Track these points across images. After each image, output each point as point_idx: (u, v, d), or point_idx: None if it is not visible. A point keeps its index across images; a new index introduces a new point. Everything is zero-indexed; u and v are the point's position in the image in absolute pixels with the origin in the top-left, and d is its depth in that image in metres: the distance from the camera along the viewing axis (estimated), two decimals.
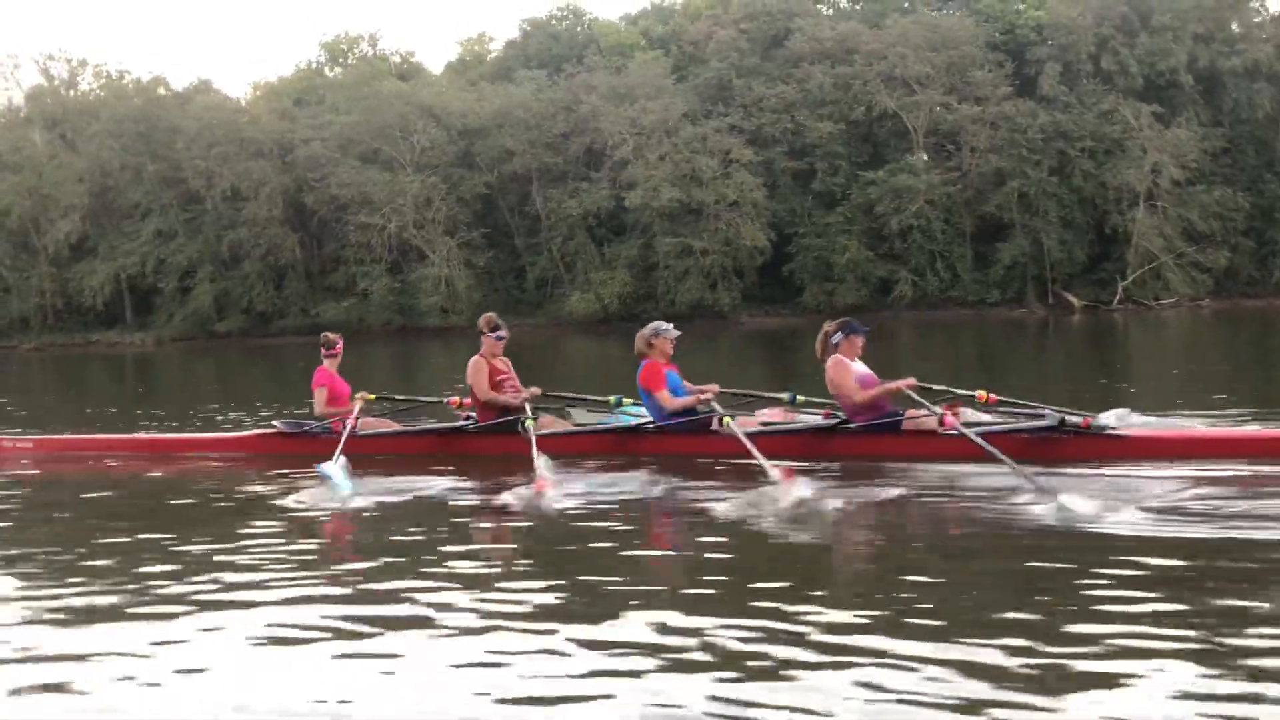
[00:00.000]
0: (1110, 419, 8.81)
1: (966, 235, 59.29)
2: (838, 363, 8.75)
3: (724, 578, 5.47)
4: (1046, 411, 8.62)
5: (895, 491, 7.29)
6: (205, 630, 4.93)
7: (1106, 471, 7.48)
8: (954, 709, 3.65)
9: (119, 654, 4.62)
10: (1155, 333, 35.92)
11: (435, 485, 8.37)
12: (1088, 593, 4.85)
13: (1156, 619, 4.44)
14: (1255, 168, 59.21)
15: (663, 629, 4.62)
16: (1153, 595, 4.75)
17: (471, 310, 50.40)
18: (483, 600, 5.20)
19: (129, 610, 5.29)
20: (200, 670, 4.41)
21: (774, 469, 7.36)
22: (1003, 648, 4.15)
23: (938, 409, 8.24)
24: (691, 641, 4.43)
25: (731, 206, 59.25)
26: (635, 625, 4.70)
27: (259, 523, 7.38)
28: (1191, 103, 59.18)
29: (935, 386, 8.99)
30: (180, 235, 66.82)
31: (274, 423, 11.31)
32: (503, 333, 10.13)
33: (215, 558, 6.34)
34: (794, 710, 3.70)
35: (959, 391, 8.98)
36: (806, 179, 61.48)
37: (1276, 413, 10.34)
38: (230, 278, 66.17)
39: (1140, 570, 5.16)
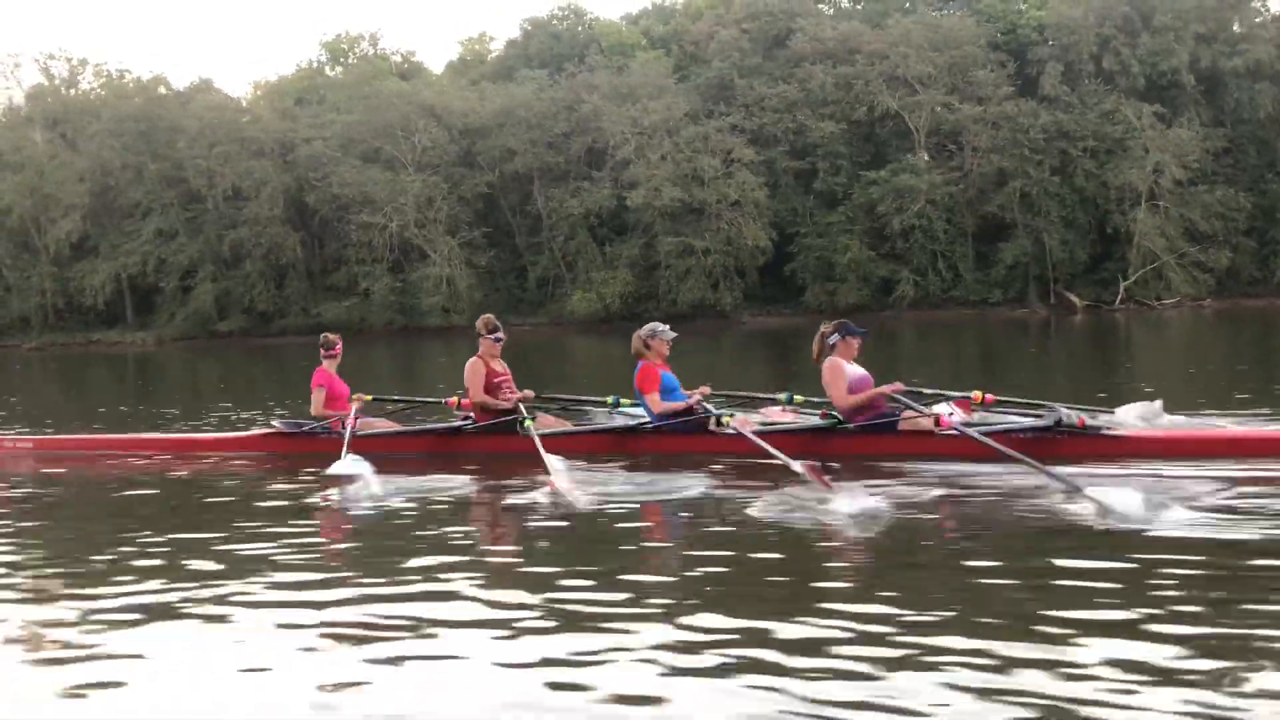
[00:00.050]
0: (1131, 414, 8.91)
1: (968, 235, 59.27)
2: (832, 365, 8.82)
3: (732, 576, 5.47)
4: (1043, 411, 8.62)
5: (895, 489, 7.27)
6: (205, 630, 4.91)
7: (1101, 471, 7.41)
8: (969, 706, 3.65)
9: (119, 653, 4.60)
10: (1158, 333, 35.88)
11: (435, 485, 8.35)
12: (1102, 586, 4.87)
13: (1159, 616, 4.42)
14: (1257, 167, 59.15)
15: (666, 628, 4.60)
16: (1152, 593, 4.74)
17: (473, 310, 50.34)
18: (483, 600, 5.18)
19: (128, 609, 5.26)
20: (200, 670, 4.39)
21: (798, 464, 7.48)
22: (1010, 644, 4.14)
23: (928, 411, 8.35)
24: (698, 641, 4.42)
25: (733, 206, 59.26)
26: (638, 625, 4.68)
27: (259, 522, 7.36)
28: (1193, 103, 59.15)
29: (926, 390, 9.08)
30: (181, 235, 66.83)
31: (273, 423, 11.32)
32: (501, 335, 10.17)
33: (215, 557, 6.32)
34: (799, 710, 3.69)
35: (952, 394, 9.03)
36: (808, 179, 61.49)
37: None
38: (231, 277, 66.19)
39: (1140, 568, 5.16)
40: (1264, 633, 4.21)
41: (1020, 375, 19.73)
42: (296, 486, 8.86)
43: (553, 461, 8.17)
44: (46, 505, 8.85)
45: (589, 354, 34.89)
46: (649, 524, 7.04)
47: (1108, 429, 8.30)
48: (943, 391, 9.18)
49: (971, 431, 7.96)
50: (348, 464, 9.08)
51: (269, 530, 7.05)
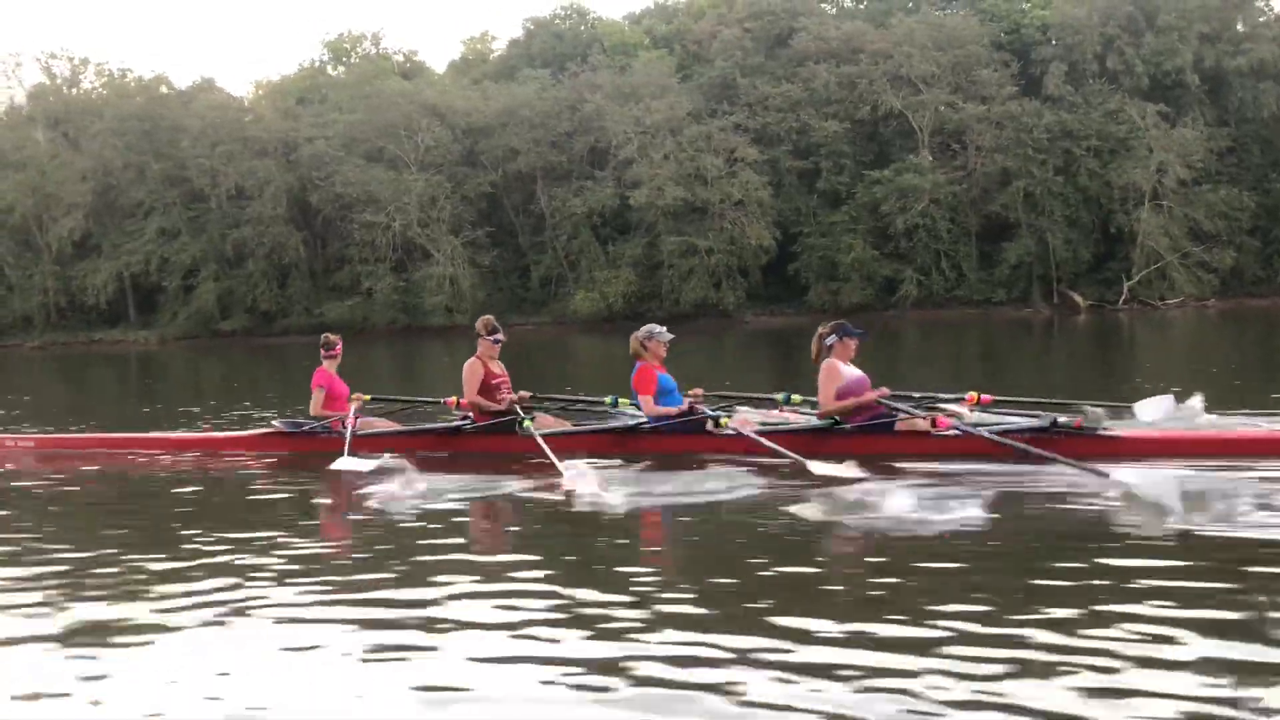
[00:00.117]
0: (1156, 411, 9.02)
1: (972, 234, 59.24)
2: (828, 367, 8.90)
3: (732, 575, 5.47)
4: (1039, 412, 8.77)
5: (889, 486, 7.25)
6: (206, 629, 4.90)
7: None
8: (972, 705, 3.64)
9: (118, 653, 4.60)
10: (1162, 333, 35.87)
11: (434, 484, 8.33)
12: (1099, 585, 4.88)
13: (1155, 614, 4.42)
14: (1261, 167, 59.09)
15: (668, 627, 4.60)
16: (1150, 591, 4.74)
17: (476, 309, 50.40)
18: (483, 598, 5.18)
19: (128, 609, 5.25)
20: (200, 669, 4.37)
21: (818, 465, 7.73)
22: (1009, 641, 4.14)
23: (919, 412, 8.53)
24: (700, 638, 4.41)
25: (736, 205, 59.24)
26: (637, 623, 4.67)
27: (258, 521, 7.38)
28: (1197, 102, 59.09)
29: (916, 394, 9.25)
30: (184, 234, 66.87)
31: (273, 422, 11.36)
32: (500, 336, 10.22)
33: (215, 556, 6.31)
34: (800, 706, 3.69)
35: (944, 396, 9.20)
36: (811, 178, 61.49)
37: None
38: (234, 276, 66.20)
39: (1134, 566, 5.18)
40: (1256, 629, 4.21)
41: (1023, 375, 19.72)
42: (296, 486, 8.90)
43: (558, 458, 8.29)
44: (47, 504, 8.84)
45: (591, 353, 34.88)
46: (648, 523, 7.07)
47: (1104, 430, 8.31)
48: (934, 394, 9.34)
49: (981, 431, 8.08)
50: (348, 462, 9.13)
51: (268, 529, 7.05)
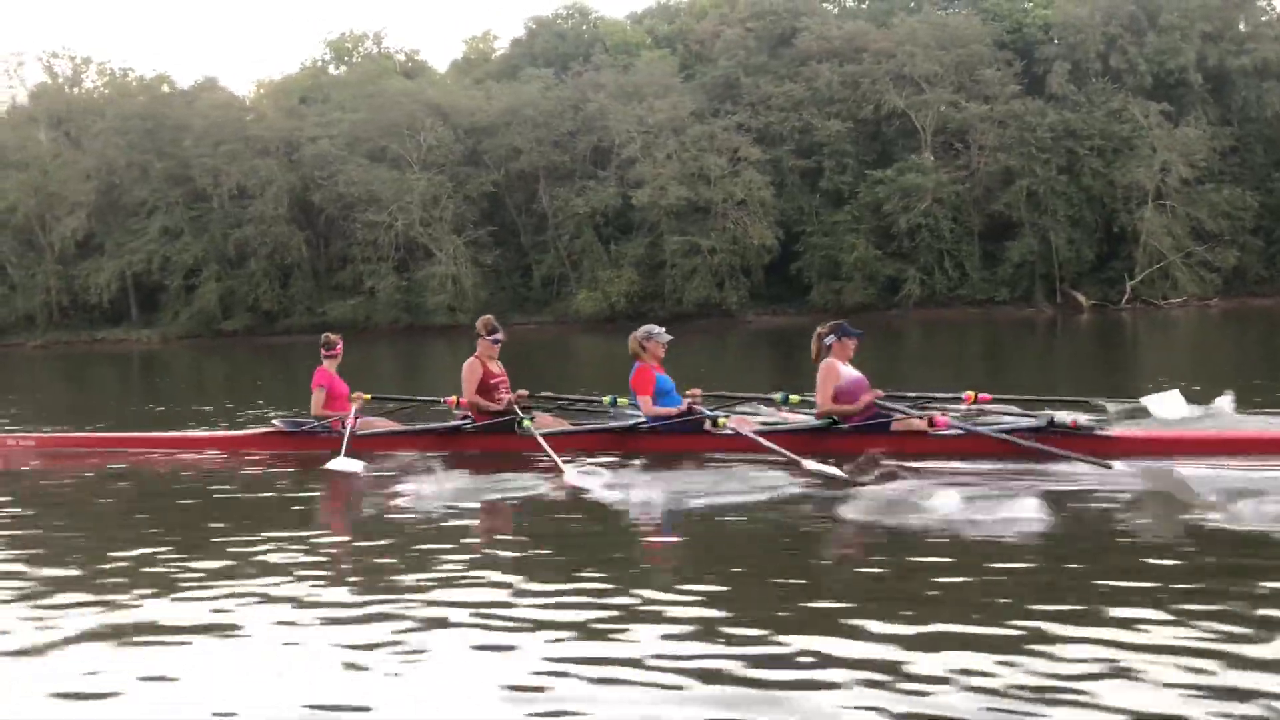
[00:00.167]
0: (1164, 406, 9.09)
1: (975, 234, 59.17)
2: (827, 366, 8.97)
3: (730, 573, 5.48)
4: (1036, 412, 8.86)
5: (886, 486, 7.42)
6: (205, 628, 4.89)
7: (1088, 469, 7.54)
8: (971, 703, 3.63)
9: (118, 652, 4.59)
10: (1165, 332, 35.87)
11: (434, 483, 8.35)
12: (1096, 585, 4.89)
13: (1150, 612, 4.44)
14: (1264, 166, 58.97)
15: (664, 626, 4.60)
16: (1144, 588, 4.77)
17: (478, 308, 50.40)
18: (481, 597, 5.18)
19: (128, 608, 5.25)
20: (199, 668, 4.38)
21: (810, 462, 7.83)
22: (1005, 639, 4.13)
23: (915, 412, 8.66)
24: (699, 637, 4.43)
25: (739, 205, 59.19)
26: (636, 622, 4.67)
27: (259, 521, 7.41)
28: (1200, 101, 59.01)
29: (910, 394, 9.38)
30: (186, 233, 66.83)
31: (274, 421, 11.36)
32: (500, 336, 10.25)
33: (216, 555, 6.32)
34: (798, 706, 3.68)
35: (940, 395, 9.31)
36: (814, 177, 61.45)
37: None
38: (236, 276, 66.16)
39: (1127, 564, 5.23)
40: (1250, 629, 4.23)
41: (1026, 375, 19.69)
42: (296, 485, 8.90)
43: (559, 457, 8.39)
44: (48, 503, 8.84)
45: (594, 353, 34.88)
46: (648, 521, 7.08)
47: (1099, 430, 8.37)
48: (931, 394, 9.45)
49: (981, 430, 8.20)
50: (342, 462, 9.18)
51: (268, 529, 7.06)
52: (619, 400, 10.16)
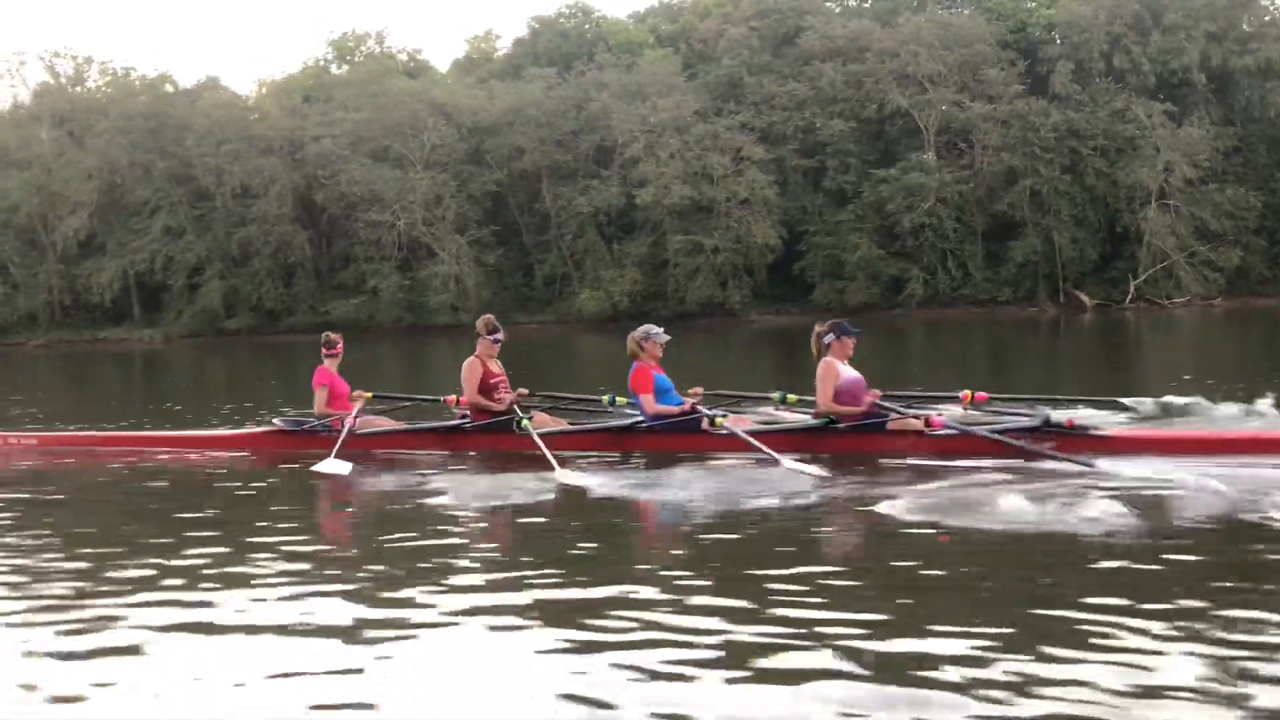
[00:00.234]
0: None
1: (978, 233, 59.14)
2: (826, 365, 9.04)
3: (724, 571, 5.52)
4: (1031, 411, 8.93)
5: (882, 484, 7.50)
6: (205, 627, 4.89)
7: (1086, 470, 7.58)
8: (969, 702, 3.63)
9: (118, 651, 4.58)
10: (1168, 331, 35.87)
11: (434, 482, 8.40)
12: (1084, 582, 4.90)
13: (1140, 608, 4.45)
14: (1267, 166, 58.92)
15: (665, 624, 4.61)
16: (1137, 586, 4.77)
17: (481, 308, 50.34)
18: (480, 596, 5.19)
19: (128, 607, 5.24)
20: (199, 668, 4.36)
21: (791, 461, 7.97)
22: (999, 637, 4.14)
23: (913, 412, 8.76)
24: (696, 636, 4.43)
25: (742, 204, 59.15)
26: (635, 621, 4.68)
27: (260, 520, 7.42)
28: (1204, 101, 58.97)
29: (903, 393, 9.52)
30: (189, 232, 66.83)
31: (274, 420, 11.36)
32: (500, 335, 10.29)
33: (216, 554, 6.32)
34: (796, 704, 3.69)
35: (939, 394, 9.45)
36: (818, 177, 61.43)
37: None
38: (239, 275, 66.14)
39: (1117, 563, 5.25)
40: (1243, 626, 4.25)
41: (1029, 374, 19.68)
42: (296, 484, 8.90)
43: (555, 456, 8.44)
44: (49, 502, 8.85)
45: (596, 352, 34.90)
46: (645, 520, 7.17)
47: (1095, 429, 8.45)
48: (928, 394, 9.64)
49: (975, 430, 8.31)
50: (330, 464, 9.19)
51: (269, 528, 7.09)
52: (617, 399, 10.18)
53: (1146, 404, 9.64)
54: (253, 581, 5.64)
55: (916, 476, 7.72)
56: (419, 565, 5.83)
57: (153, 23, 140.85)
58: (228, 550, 6.41)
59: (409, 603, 5.11)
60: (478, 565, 5.85)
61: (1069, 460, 7.61)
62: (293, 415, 11.79)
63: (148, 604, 5.29)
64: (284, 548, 6.44)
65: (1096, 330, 38.25)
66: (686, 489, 7.59)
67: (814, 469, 7.85)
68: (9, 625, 5.02)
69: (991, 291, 58.16)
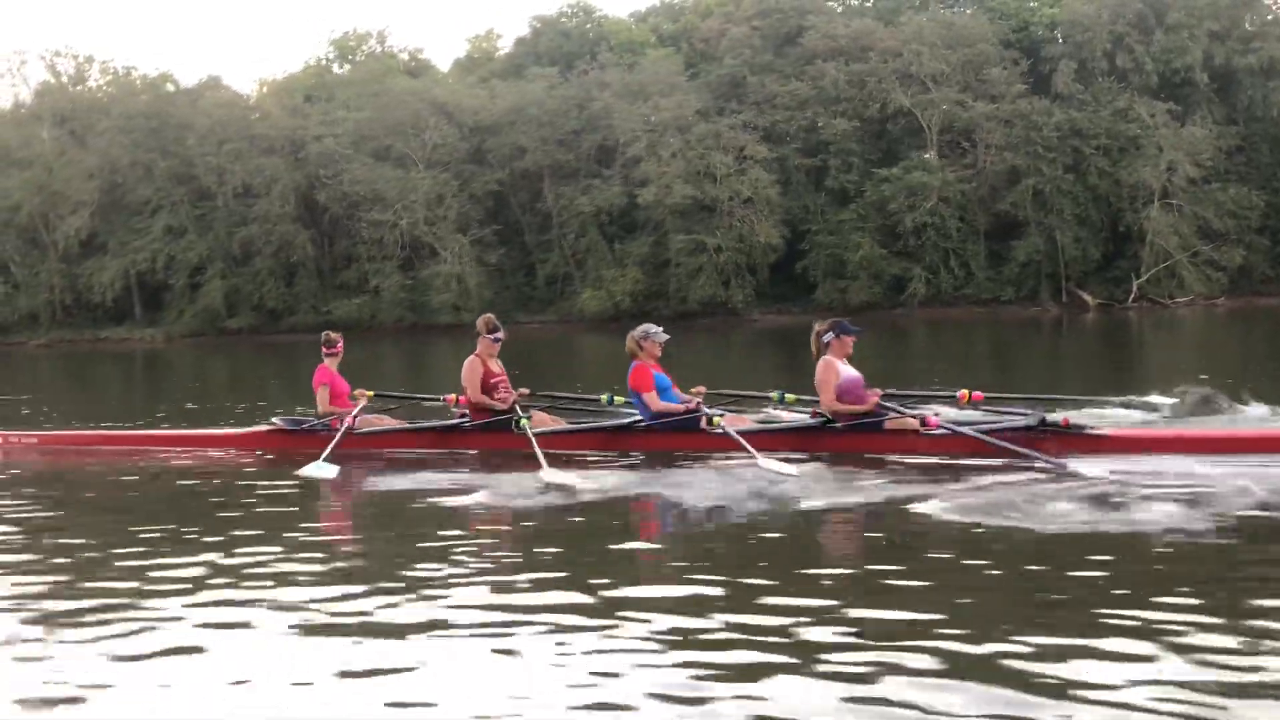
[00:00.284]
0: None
1: (981, 233, 59.13)
2: (826, 364, 9.09)
3: (718, 569, 5.51)
4: (1029, 410, 8.99)
5: (879, 484, 7.55)
6: (204, 627, 4.88)
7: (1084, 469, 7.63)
8: (967, 701, 3.62)
9: (119, 650, 4.57)
10: (1171, 331, 35.88)
11: (434, 481, 8.41)
12: (1077, 579, 4.92)
13: (1133, 608, 4.45)
14: (1270, 165, 58.90)
15: (662, 622, 4.62)
16: (1132, 585, 4.79)
17: (483, 307, 50.26)
18: (479, 595, 5.19)
19: (129, 606, 5.23)
20: (201, 668, 4.36)
21: (766, 460, 8.05)
22: (995, 637, 4.14)
23: (912, 411, 8.80)
24: (693, 635, 4.44)
25: (745, 203, 59.15)
26: (633, 620, 4.68)
27: (259, 519, 7.46)
28: (1206, 100, 58.94)
29: (901, 392, 9.55)
30: (191, 232, 66.91)
31: (274, 419, 11.34)
32: (500, 335, 10.31)
33: (216, 553, 6.32)
34: (794, 704, 3.68)
35: (938, 393, 9.55)
36: (820, 176, 61.45)
37: None
38: (241, 274, 66.21)
39: (1110, 560, 5.26)
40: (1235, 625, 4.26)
41: (1031, 373, 19.67)
42: (296, 484, 8.88)
43: (550, 457, 8.49)
44: (49, 501, 8.85)
45: (598, 352, 34.93)
46: (643, 520, 7.18)
47: (1091, 428, 8.48)
48: (929, 392, 9.73)
49: (967, 430, 8.40)
50: (316, 468, 9.11)
51: (269, 527, 7.11)
52: (616, 398, 10.21)
53: (1175, 400, 9.71)
54: (251, 580, 5.64)
55: (912, 476, 7.78)
56: (415, 564, 5.83)
57: (154, 22, 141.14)
58: (227, 549, 6.40)
59: (405, 602, 5.10)
60: (472, 564, 5.85)
61: (1041, 459, 7.75)
62: (293, 415, 11.77)
63: (147, 603, 5.28)
64: (282, 547, 6.43)
65: (1099, 330, 38.25)
66: (681, 488, 7.61)
67: (788, 468, 7.93)
68: (8, 625, 5.00)
69: (994, 291, 58.15)
